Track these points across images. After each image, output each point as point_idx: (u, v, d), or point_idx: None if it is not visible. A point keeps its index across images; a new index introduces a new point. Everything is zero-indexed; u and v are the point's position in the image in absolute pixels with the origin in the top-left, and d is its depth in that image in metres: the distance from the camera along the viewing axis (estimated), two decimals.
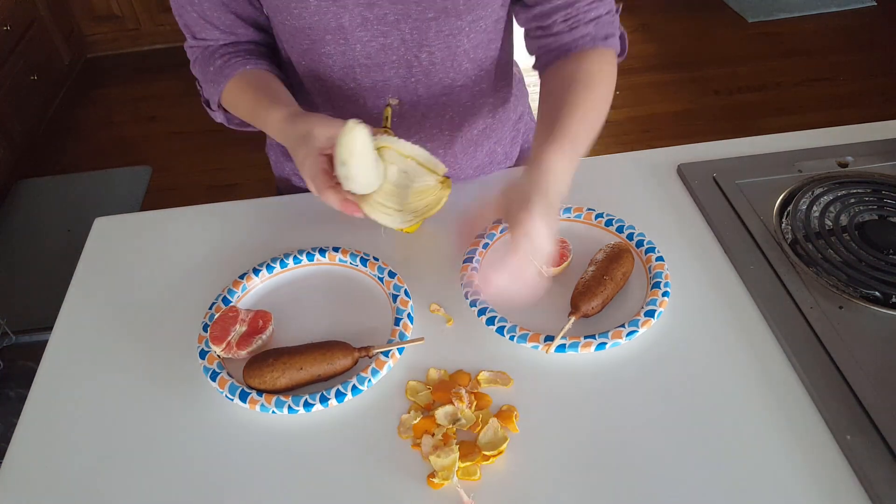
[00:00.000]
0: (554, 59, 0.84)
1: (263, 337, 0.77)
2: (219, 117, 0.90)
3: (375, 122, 0.80)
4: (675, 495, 0.63)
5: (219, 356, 0.76)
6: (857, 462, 0.63)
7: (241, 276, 0.85)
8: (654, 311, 0.76)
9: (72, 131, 3.01)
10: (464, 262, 0.85)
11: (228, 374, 0.74)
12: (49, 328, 0.84)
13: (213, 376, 0.74)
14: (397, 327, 0.77)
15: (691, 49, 3.16)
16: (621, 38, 0.85)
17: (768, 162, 0.97)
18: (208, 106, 0.90)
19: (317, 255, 0.87)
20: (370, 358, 0.75)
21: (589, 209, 0.90)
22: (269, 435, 0.70)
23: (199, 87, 0.90)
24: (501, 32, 0.89)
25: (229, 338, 0.75)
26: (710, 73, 2.99)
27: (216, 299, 0.83)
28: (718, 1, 3.50)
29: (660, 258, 0.83)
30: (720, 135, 1.00)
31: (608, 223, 0.89)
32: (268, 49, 0.91)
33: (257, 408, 0.71)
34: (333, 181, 0.71)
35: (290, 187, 1.08)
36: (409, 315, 0.79)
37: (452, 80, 0.86)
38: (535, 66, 0.88)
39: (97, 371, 0.78)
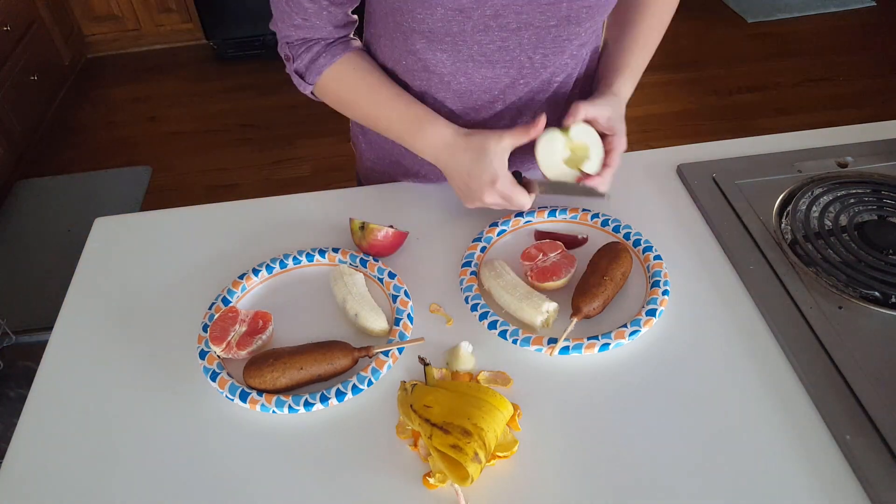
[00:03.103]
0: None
1: (263, 337, 0.77)
2: (307, 90, 0.89)
3: (475, 118, 0.91)
4: (676, 495, 0.63)
5: (219, 356, 0.76)
6: (857, 462, 0.63)
7: (241, 277, 0.85)
8: (655, 309, 0.77)
9: (72, 131, 3.01)
10: (462, 265, 0.85)
11: (228, 374, 0.74)
12: (49, 328, 0.84)
13: (214, 376, 0.74)
14: (397, 327, 0.77)
15: (691, 49, 3.16)
16: None
17: (768, 162, 0.97)
18: (302, 78, 0.88)
19: (316, 256, 0.87)
20: (370, 358, 0.75)
21: (584, 209, 0.91)
22: (268, 435, 0.70)
23: (287, 56, 0.88)
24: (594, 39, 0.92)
25: (229, 338, 0.75)
26: (710, 73, 2.99)
27: (216, 299, 0.83)
28: (718, 1, 3.50)
29: (657, 257, 0.83)
30: (720, 135, 1.00)
31: (604, 223, 0.89)
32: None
33: (258, 408, 0.71)
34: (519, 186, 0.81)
35: (374, 178, 1.08)
36: (409, 315, 0.79)
37: (552, 75, 0.88)
38: None
39: (97, 371, 0.78)
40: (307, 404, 0.71)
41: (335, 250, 0.87)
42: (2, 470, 0.70)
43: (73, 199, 2.57)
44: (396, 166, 1.02)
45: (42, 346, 0.82)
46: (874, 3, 3.36)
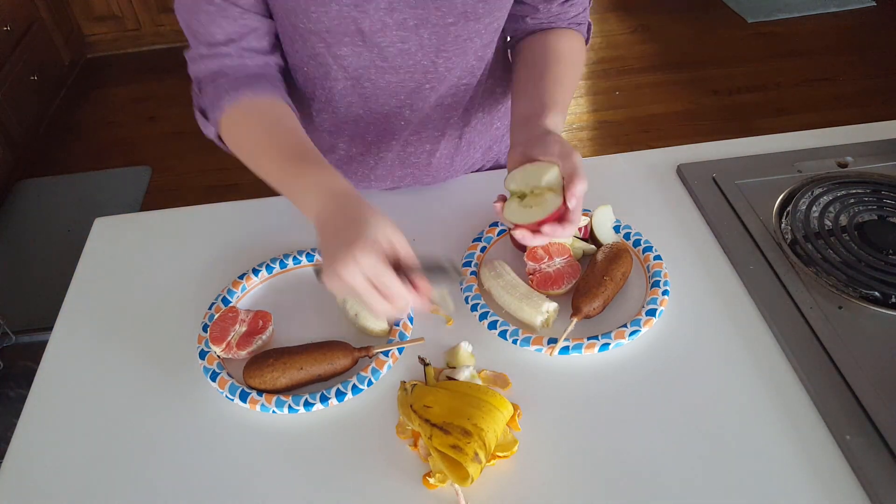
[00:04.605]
0: (528, 34, 0.89)
1: (263, 337, 0.77)
2: (211, 133, 0.81)
3: (384, 126, 0.87)
4: (675, 494, 0.63)
5: (219, 356, 0.76)
6: (857, 462, 0.63)
7: (241, 277, 0.85)
8: (655, 309, 0.77)
9: (72, 131, 3.01)
10: (462, 266, 0.85)
11: (228, 374, 0.74)
12: (49, 328, 0.84)
13: (213, 377, 0.74)
14: (397, 327, 0.77)
15: (691, 49, 3.16)
16: (588, 28, 0.92)
17: (768, 162, 0.97)
18: (204, 116, 0.80)
19: (316, 256, 0.87)
20: (370, 358, 0.75)
21: (585, 210, 0.90)
22: (268, 435, 0.70)
23: (195, 91, 0.81)
24: (499, 39, 0.90)
25: (229, 338, 0.75)
26: (710, 74, 2.99)
27: (216, 299, 0.83)
28: (718, 1, 3.50)
29: (657, 257, 0.83)
30: (720, 135, 1.00)
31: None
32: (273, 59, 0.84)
33: (258, 408, 0.71)
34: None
35: None
36: (409, 316, 0.79)
37: (458, 79, 0.86)
38: (508, 44, 0.94)
39: (97, 371, 0.78)
40: (307, 404, 0.71)
41: None
42: (2, 470, 0.70)
43: (73, 199, 2.57)
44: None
45: (42, 346, 0.82)
46: (874, 3, 3.36)
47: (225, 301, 0.82)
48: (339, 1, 0.72)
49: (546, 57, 0.85)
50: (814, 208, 0.88)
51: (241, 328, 0.77)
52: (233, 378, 0.74)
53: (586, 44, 0.92)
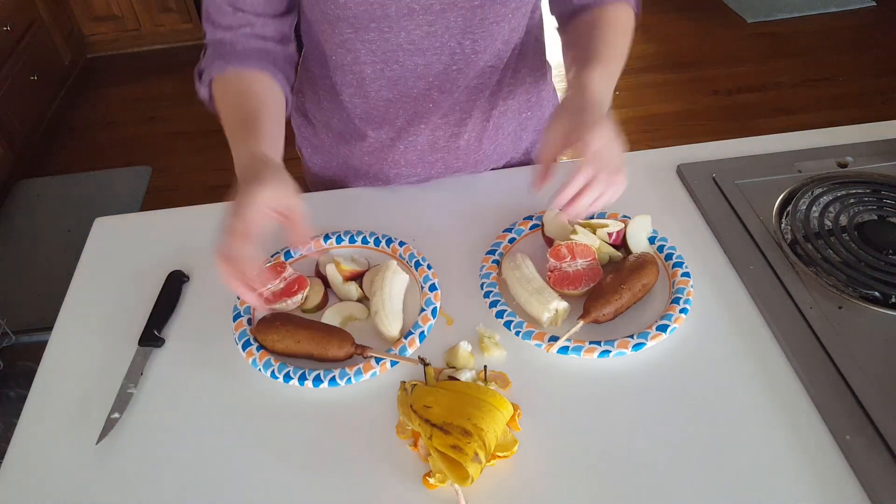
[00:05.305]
0: (577, 14, 0.88)
1: (289, 301, 0.79)
2: (202, 94, 0.85)
3: (413, 109, 0.90)
4: (675, 494, 0.63)
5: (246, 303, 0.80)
6: (857, 462, 0.63)
7: (325, 239, 0.89)
8: (668, 326, 0.75)
9: (72, 131, 3.01)
10: (487, 253, 0.86)
11: (249, 320, 0.79)
12: (49, 328, 0.84)
13: (237, 316, 0.79)
14: (404, 340, 0.76)
15: (691, 49, 3.16)
16: (637, 1, 0.90)
17: (768, 162, 0.97)
18: (199, 77, 0.85)
19: (383, 243, 0.89)
20: (364, 358, 0.75)
21: (625, 216, 0.88)
22: (269, 435, 0.71)
23: (201, 57, 0.85)
24: (531, 25, 0.91)
25: (264, 289, 0.78)
26: (710, 73, 2.99)
27: (280, 251, 0.87)
28: (718, 1, 3.50)
29: (686, 274, 0.80)
30: (720, 135, 1.00)
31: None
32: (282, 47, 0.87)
33: (250, 361, 0.75)
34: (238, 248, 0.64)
35: (321, 184, 1.07)
36: (422, 333, 0.77)
37: (485, 62, 0.87)
38: (557, 28, 0.92)
39: (97, 371, 0.78)
40: (287, 377, 0.73)
41: (402, 244, 0.88)
42: (2, 470, 0.70)
43: (73, 199, 2.57)
44: (346, 169, 1.02)
45: (42, 346, 0.82)
46: (874, 3, 3.36)
47: (287, 255, 0.87)
48: None
49: (592, 24, 0.84)
50: (814, 208, 0.88)
51: (279, 285, 0.80)
52: (248, 329, 0.78)
53: (635, 15, 0.90)
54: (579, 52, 0.82)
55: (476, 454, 0.61)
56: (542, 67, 1.01)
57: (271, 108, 0.80)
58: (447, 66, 0.85)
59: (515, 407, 0.69)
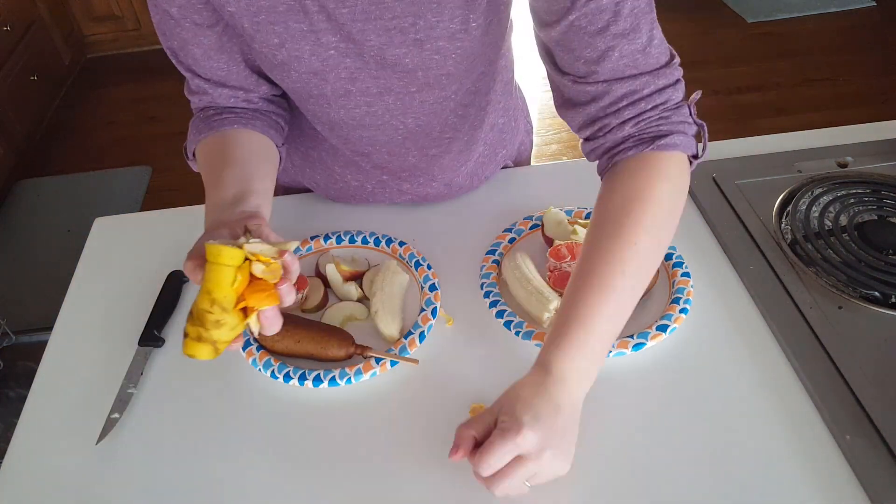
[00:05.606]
0: (607, 162, 0.69)
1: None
2: (194, 167, 0.82)
3: (371, 163, 0.88)
4: (674, 494, 0.63)
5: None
6: (857, 462, 0.63)
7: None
8: (667, 326, 0.75)
9: (72, 131, 3.01)
10: (487, 253, 0.86)
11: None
12: (49, 328, 0.84)
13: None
14: (404, 340, 0.76)
15: (691, 49, 3.16)
16: (697, 134, 0.66)
17: (768, 162, 0.97)
18: (187, 156, 0.82)
19: (383, 243, 0.89)
20: (364, 358, 0.75)
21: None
22: (266, 434, 0.71)
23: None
24: (492, 81, 0.82)
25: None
26: (710, 73, 2.99)
27: None
28: (718, 1, 3.50)
29: (685, 274, 0.80)
30: (720, 135, 0.99)
31: None
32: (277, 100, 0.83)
33: (250, 361, 0.75)
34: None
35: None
36: (422, 333, 0.77)
37: (439, 133, 0.83)
38: (598, 172, 0.72)
39: (97, 371, 0.78)
40: (287, 377, 0.73)
41: (402, 244, 0.88)
42: (2, 470, 0.70)
43: (73, 199, 2.57)
44: (309, 183, 0.98)
45: (42, 346, 0.82)
46: (874, 3, 3.36)
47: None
48: (297, 69, 0.70)
49: (621, 206, 0.63)
50: (814, 208, 0.88)
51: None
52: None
53: (694, 161, 0.67)
54: (574, 283, 0.63)
55: (200, 336, 0.54)
56: (512, 97, 0.94)
57: (238, 147, 0.75)
58: (391, 138, 0.81)
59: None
